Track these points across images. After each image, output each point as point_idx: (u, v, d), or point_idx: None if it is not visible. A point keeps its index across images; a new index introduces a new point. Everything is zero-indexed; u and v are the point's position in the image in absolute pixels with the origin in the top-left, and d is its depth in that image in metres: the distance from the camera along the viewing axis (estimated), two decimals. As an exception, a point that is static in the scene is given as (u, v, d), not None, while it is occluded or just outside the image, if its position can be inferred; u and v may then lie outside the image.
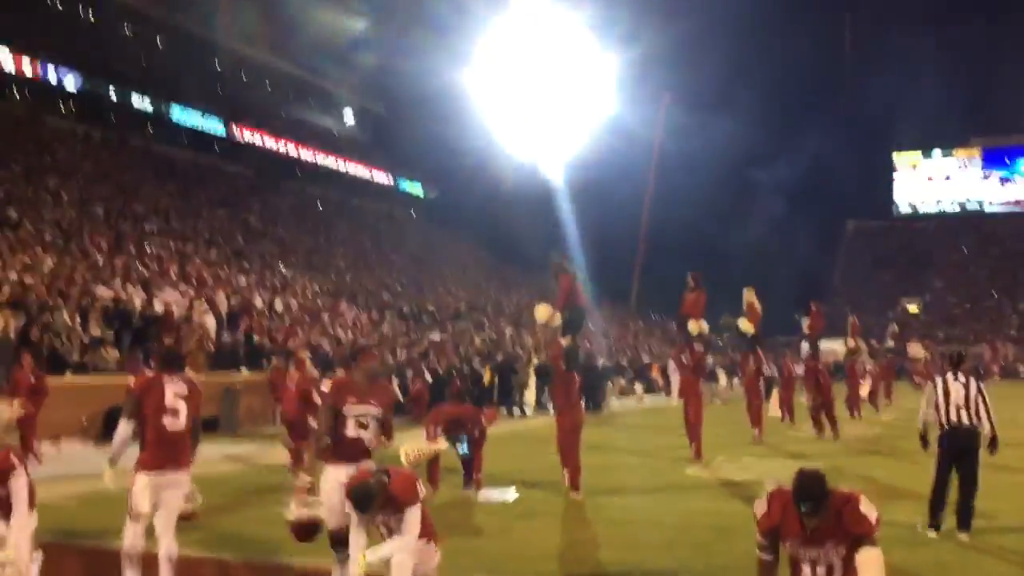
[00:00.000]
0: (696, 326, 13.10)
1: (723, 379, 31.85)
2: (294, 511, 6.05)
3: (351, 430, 5.85)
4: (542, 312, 10.37)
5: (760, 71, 75.77)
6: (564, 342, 10.05)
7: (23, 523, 5.58)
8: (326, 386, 6.23)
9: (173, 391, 5.99)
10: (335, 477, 5.74)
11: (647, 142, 52.34)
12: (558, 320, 10.10)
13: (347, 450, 5.83)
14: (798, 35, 75.61)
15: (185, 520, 6.15)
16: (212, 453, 12.10)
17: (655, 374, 34.80)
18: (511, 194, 51.39)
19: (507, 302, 42.81)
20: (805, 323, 17.30)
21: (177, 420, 5.94)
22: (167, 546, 5.82)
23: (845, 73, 73.10)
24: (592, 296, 46.85)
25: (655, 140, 52.21)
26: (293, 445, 10.64)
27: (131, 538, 5.76)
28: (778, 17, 71.47)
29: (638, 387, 30.93)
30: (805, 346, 17.33)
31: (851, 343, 19.33)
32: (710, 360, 36.41)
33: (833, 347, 23.26)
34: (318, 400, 8.82)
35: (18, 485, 5.56)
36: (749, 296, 15.59)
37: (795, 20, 73.53)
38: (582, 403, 11.09)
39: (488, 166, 49.38)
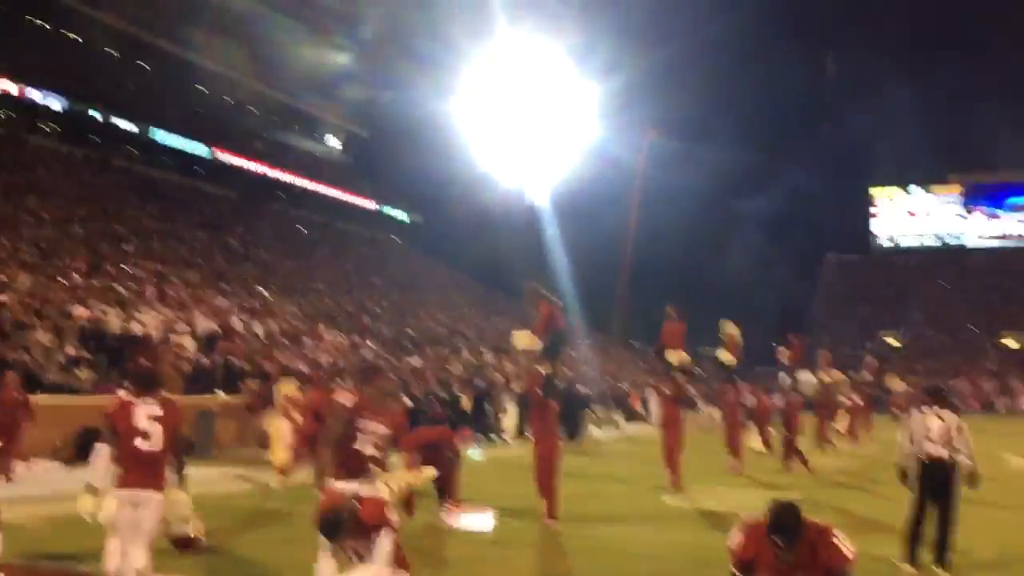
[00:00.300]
0: (676, 356, 13.11)
1: (702, 409, 31.84)
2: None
3: (360, 445, 5.93)
4: (521, 339, 10.36)
5: (741, 103, 76.79)
6: (543, 369, 10.01)
7: None
8: (344, 399, 6.19)
9: (146, 412, 5.92)
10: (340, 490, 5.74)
11: (631, 171, 52.70)
12: (537, 347, 10.08)
13: (353, 464, 5.89)
14: (778, 68, 76.70)
15: (186, 547, 6.05)
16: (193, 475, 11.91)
17: (635, 403, 34.77)
18: (495, 221, 51.58)
19: (489, 328, 42.74)
20: (784, 355, 17.37)
21: (149, 441, 5.86)
22: (136, 558, 5.71)
23: (824, 107, 74.08)
24: (573, 324, 47.00)
25: (638, 170, 52.55)
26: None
27: (113, 557, 5.67)
28: (758, 50, 72.57)
29: (618, 416, 30.87)
30: (785, 378, 17.40)
31: (823, 377, 19.38)
32: (691, 390, 36.49)
33: (812, 379, 23.33)
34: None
35: None
36: (728, 328, 15.63)
37: (775, 53, 74.53)
38: (559, 431, 11.04)
39: (473, 193, 49.54)
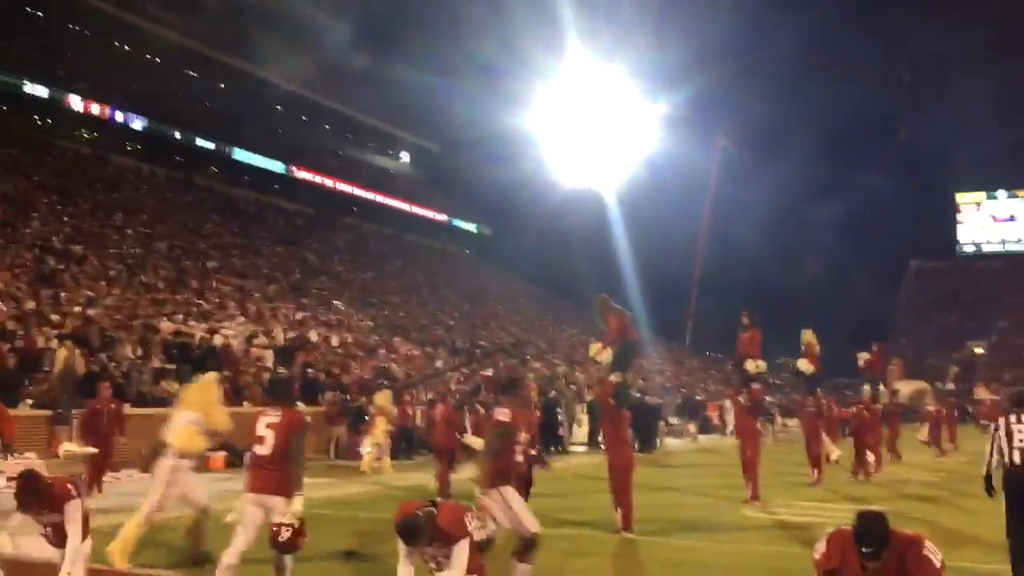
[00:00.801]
0: (753, 365, 12.87)
1: (779, 419, 31.23)
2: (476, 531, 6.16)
3: (518, 455, 6.49)
4: (594, 349, 10.35)
5: (817, 109, 75.10)
6: (614, 379, 9.95)
7: (78, 549, 5.75)
8: (503, 415, 6.59)
9: (266, 421, 6.26)
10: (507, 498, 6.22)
11: (702, 180, 52.16)
12: (608, 356, 10.04)
13: (508, 474, 6.35)
14: (857, 73, 74.95)
15: (287, 549, 6.23)
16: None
17: (710, 413, 34.27)
18: (565, 232, 51.57)
19: (560, 338, 42.72)
20: (864, 363, 16.95)
21: (263, 447, 6.15)
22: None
23: (905, 111, 71.98)
24: (645, 334, 46.59)
25: (710, 178, 51.97)
26: (441, 471, 12.12)
27: (231, 553, 5.98)
28: (834, 55, 70.93)
29: (692, 426, 30.48)
30: (867, 387, 16.96)
31: (899, 387, 18.79)
32: (768, 399, 35.83)
33: (897, 388, 22.70)
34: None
35: (73, 512, 5.74)
36: (808, 336, 15.29)
37: (854, 57, 72.92)
38: (632, 441, 10.98)
39: (542, 204, 49.65)
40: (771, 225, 61.53)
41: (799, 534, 9.55)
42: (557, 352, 38.31)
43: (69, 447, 12.21)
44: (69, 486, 5.86)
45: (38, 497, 5.78)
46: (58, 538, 5.84)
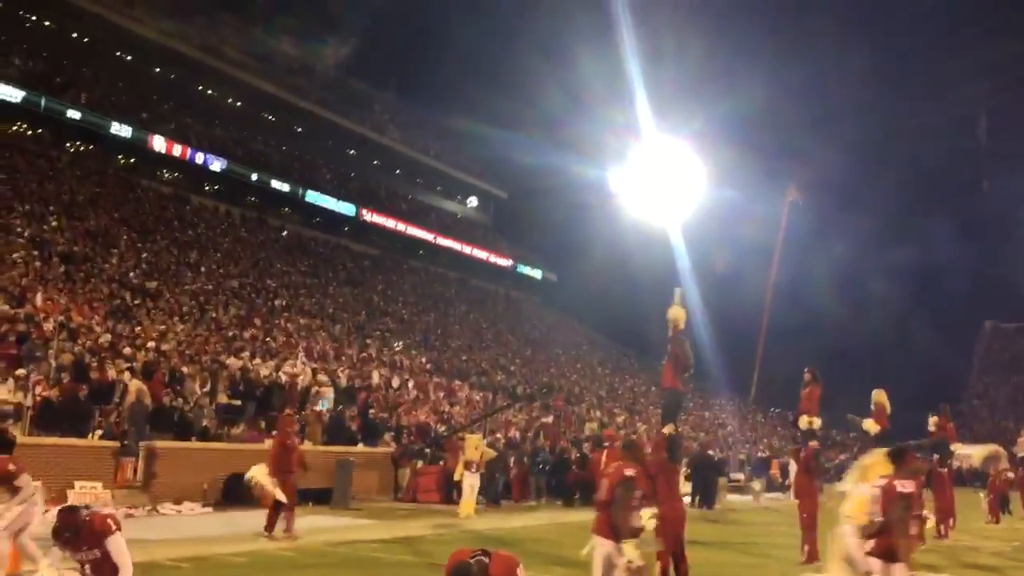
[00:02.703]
0: (807, 421, 12.62)
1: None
2: None
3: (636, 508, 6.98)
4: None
5: (894, 163, 73.65)
6: (667, 431, 9.85)
7: None
8: (632, 471, 7.00)
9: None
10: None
11: (772, 232, 51.50)
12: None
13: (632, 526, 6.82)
14: (936, 126, 73.46)
15: None
16: (327, 523, 12.30)
17: (774, 470, 33.46)
18: (630, 281, 51.22)
19: (622, 387, 42.35)
20: (933, 423, 16.44)
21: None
22: None
23: (983, 168, 70.19)
24: (712, 388, 45.89)
25: (779, 230, 51.30)
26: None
27: None
28: (915, 107, 69.75)
29: (756, 483, 29.77)
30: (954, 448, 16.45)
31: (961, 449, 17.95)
32: (832, 459, 34.85)
33: (967, 452, 21.90)
34: None
35: (117, 546, 5.71)
36: (879, 397, 14.91)
37: (934, 110, 71.54)
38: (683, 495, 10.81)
39: (608, 253, 49.52)
40: (841, 280, 60.20)
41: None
42: (618, 401, 37.96)
43: (260, 476, 11.97)
44: (109, 521, 5.81)
45: (76, 533, 5.68)
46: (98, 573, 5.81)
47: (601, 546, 6.74)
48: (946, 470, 16.15)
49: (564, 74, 50.49)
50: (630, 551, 6.75)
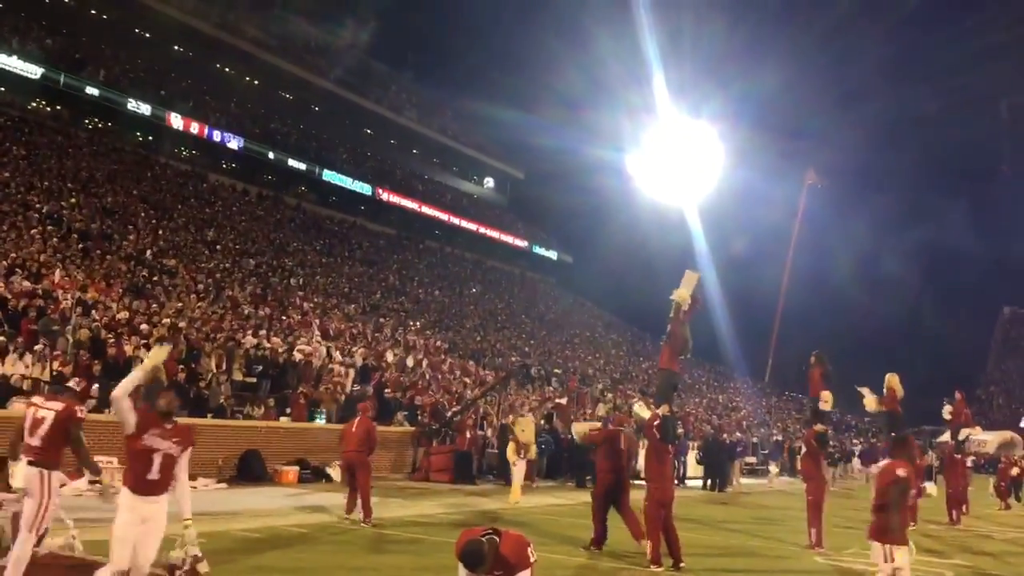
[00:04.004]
0: (822, 401, 12.67)
1: (856, 463, 30.39)
2: None
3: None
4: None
5: (913, 148, 72.94)
6: (661, 412, 9.87)
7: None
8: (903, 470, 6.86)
9: None
10: None
11: (789, 215, 51.28)
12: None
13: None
14: (954, 112, 72.63)
15: None
16: (341, 501, 12.38)
17: (787, 454, 33.43)
18: (647, 264, 51.06)
19: (637, 370, 42.33)
20: (948, 411, 16.38)
21: None
22: None
23: (1002, 152, 69.39)
24: (727, 371, 45.74)
25: (797, 213, 51.04)
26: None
27: None
28: (934, 91, 69.02)
29: (772, 466, 29.75)
30: (947, 436, 16.39)
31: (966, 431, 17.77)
32: (856, 443, 34.72)
33: (983, 439, 21.79)
34: None
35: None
36: (892, 381, 14.84)
37: (953, 96, 70.77)
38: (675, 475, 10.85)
39: (624, 235, 49.47)
40: (858, 263, 59.90)
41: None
42: (631, 383, 37.95)
43: None
44: None
45: None
46: None
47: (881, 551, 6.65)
48: (960, 456, 16.11)
49: (582, 56, 50.35)
50: (901, 558, 6.61)
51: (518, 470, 15.97)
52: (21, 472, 6.62)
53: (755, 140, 43.23)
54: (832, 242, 55.90)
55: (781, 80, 50.10)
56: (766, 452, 31.87)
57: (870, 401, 13.88)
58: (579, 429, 13.15)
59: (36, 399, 6.82)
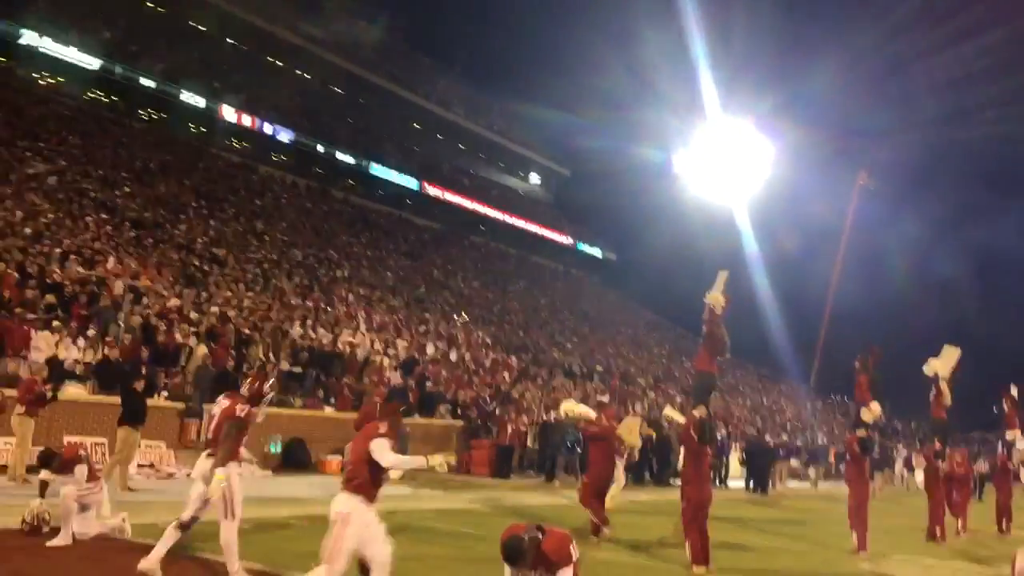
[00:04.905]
0: (866, 410, 12.49)
1: (899, 468, 29.93)
2: None
3: None
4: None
5: (969, 148, 71.27)
6: (697, 413, 9.80)
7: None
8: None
9: None
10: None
11: (840, 215, 50.44)
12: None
13: None
14: (1010, 110, 70.85)
15: None
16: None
17: (833, 458, 32.98)
18: (692, 264, 50.60)
19: (679, 369, 42.06)
20: (1007, 414, 16.04)
21: None
22: None
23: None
24: (774, 373, 45.20)
25: (847, 214, 50.21)
26: None
27: None
28: (991, 89, 67.40)
29: (812, 470, 29.39)
30: (1010, 437, 15.99)
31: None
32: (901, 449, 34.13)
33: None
34: None
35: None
36: (943, 384, 14.58)
37: (1009, 93, 68.98)
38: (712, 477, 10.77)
39: (670, 235, 49.06)
40: (910, 265, 58.72)
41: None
42: (673, 383, 37.73)
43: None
44: None
45: None
46: None
47: None
48: (1010, 463, 15.75)
49: (629, 54, 50.16)
50: None
51: (620, 472, 14.64)
52: (200, 464, 7.21)
53: (805, 138, 42.53)
54: (883, 243, 54.85)
55: (833, 77, 49.30)
56: (810, 455, 31.47)
57: (867, 412, 13.52)
58: (568, 408, 13.14)
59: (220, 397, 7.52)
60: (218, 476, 6.84)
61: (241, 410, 7.20)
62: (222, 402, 7.38)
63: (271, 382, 8.04)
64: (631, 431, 15.83)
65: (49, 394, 12.03)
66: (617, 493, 14.36)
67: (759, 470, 22.76)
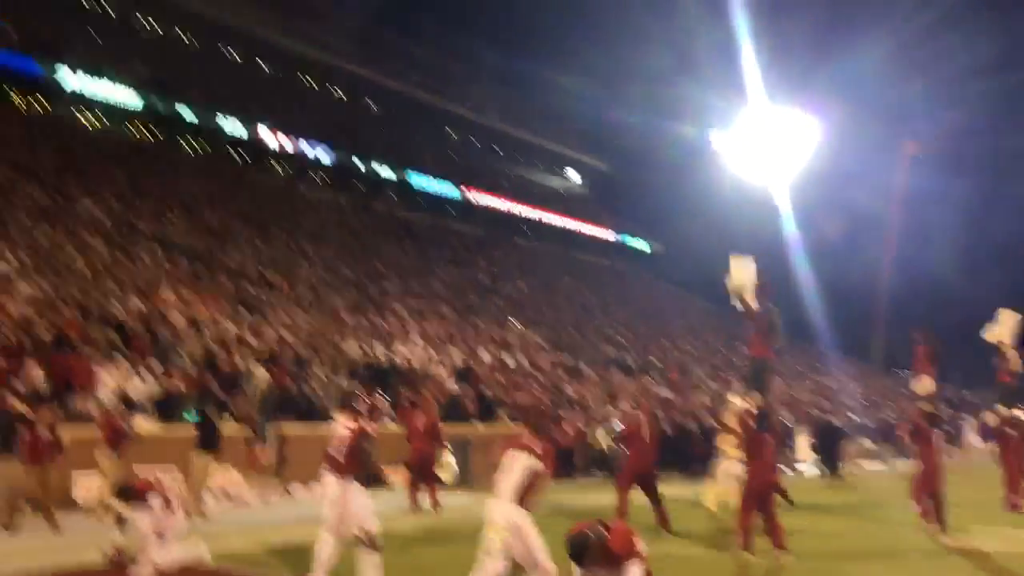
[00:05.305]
0: (920, 385, 12.26)
1: (971, 438, 29.20)
2: None
3: None
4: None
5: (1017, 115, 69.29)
6: (752, 400, 9.68)
7: None
8: None
9: None
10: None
11: (888, 188, 49.48)
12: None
13: None
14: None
15: None
16: (449, 501, 12.53)
17: (903, 436, 32.28)
18: (740, 246, 50.00)
19: (737, 356, 41.56)
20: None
21: None
22: None
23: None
24: (829, 353, 44.55)
25: (896, 186, 49.25)
26: None
27: None
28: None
29: (885, 449, 28.79)
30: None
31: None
32: (949, 420, 33.33)
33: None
34: None
35: None
36: (1007, 350, 14.19)
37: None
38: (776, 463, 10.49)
39: (715, 219, 48.57)
40: (968, 232, 57.25)
41: (1006, 563, 8.87)
42: (732, 370, 37.28)
43: None
44: None
45: None
46: None
47: None
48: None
49: (663, 35, 49.56)
50: None
51: (721, 470, 12.82)
52: (327, 482, 7.56)
53: (851, 117, 41.75)
54: (935, 211, 53.63)
55: (879, 54, 48.14)
56: (881, 433, 30.85)
57: (993, 334, 13.14)
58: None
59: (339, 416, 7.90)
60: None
61: (371, 428, 7.54)
62: (345, 421, 7.60)
63: (384, 399, 8.35)
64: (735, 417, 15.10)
65: (130, 429, 12.20)
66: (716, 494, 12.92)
67: (829, 452, 22.37)
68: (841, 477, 21.58)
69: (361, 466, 7.28)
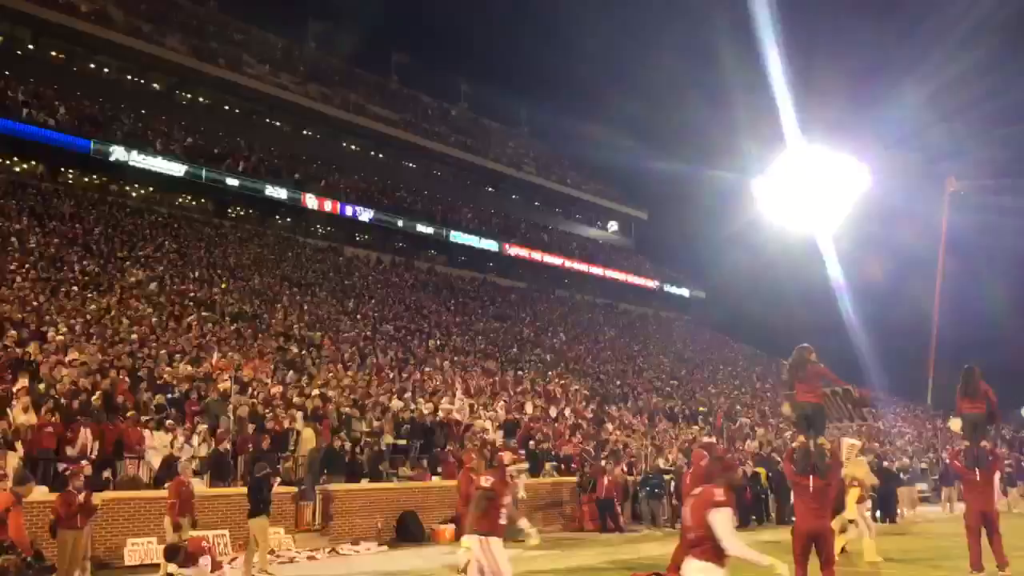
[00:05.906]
0: (951, 423, 11.92)
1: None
2: None
3: None
4: (785, 409, 9.99)
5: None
6: (795, 443, 9.46)
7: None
8: None
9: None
10: None
11: (933, 227, 48.84)
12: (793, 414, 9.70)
13: None
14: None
15: None
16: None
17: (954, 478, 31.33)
18: (783, 290, 49.70)
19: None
20: None
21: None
22: None
23: None
24: (879, 394, 43.64)
25: (941, 224, 48.57)
26: None
27: None
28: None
29: (945, 492, 27.96)
30: None
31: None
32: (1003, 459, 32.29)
33: None
34: None
35: None
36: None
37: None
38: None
39: (756, 264, 48.30)
40: (1013, 273, 56.15)
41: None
42: (781, 416, 36.66)
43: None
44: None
45: None
46: None
47: None
48: None
49: (701, 86, 49.95)
50: None
51: (861, 517, 13.68)
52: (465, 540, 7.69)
53: (893, 160, 41.55)
54: (983, 248, 52.74)
55: (920, 96, 47.96)
56: (936, 478, 30.00)
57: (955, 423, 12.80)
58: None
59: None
60: (464, 543, 7.17)
61: (487, 481, 7.60)
62: (476, 479, 7.94)
63: (516, 456, 8.60)
64: (862, 468, 14.69)
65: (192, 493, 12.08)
66: (870, 547, 13.46)
67: (884, 498, 21.78)
68: (897, 523, 21.01)
69: (477, 517, 7.45)
